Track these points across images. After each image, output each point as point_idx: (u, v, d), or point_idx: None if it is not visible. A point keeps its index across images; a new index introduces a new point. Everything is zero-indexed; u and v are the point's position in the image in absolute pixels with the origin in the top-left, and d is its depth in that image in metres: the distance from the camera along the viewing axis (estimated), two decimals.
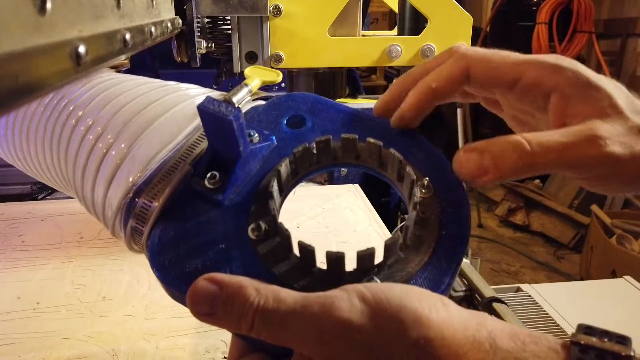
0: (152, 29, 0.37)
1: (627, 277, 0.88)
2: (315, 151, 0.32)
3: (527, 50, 2.59)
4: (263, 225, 0.29)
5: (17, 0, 0.16)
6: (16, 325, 0.58)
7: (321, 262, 0.29)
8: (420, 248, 0.30)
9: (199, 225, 0.31)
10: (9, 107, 0.17)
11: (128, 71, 1.22)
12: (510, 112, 0.37)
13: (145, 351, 0.53)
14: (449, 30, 0.57)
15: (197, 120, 0.35)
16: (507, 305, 0.73)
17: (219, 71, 0.62)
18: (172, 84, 0.40)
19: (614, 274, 1.92)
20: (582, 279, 2.22)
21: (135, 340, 0.55)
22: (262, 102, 0.38)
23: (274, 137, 0.34)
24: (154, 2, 0.39)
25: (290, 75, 0.63)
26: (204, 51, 0.55)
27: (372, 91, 3.07)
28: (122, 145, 0.34)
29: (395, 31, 0.65)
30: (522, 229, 2.81)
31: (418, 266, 0.29)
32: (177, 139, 0.34)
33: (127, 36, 0.30)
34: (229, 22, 0.56)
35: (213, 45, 0.57)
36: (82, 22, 0.23)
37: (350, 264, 0.28)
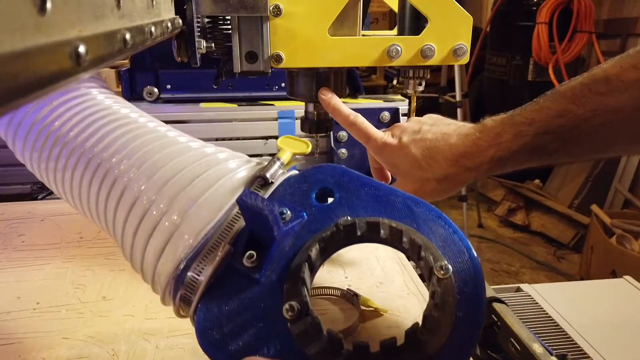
0: (152, 28, 0.37)
1: (627, 277, 0.88)
2: (342, 234, 0.36)
3: (528, 50, 2.59)
4: (296, 306, 0.32)
5: (17, 0, 0.16)
6: (16, 325, 0.58)
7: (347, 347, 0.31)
8: (438, 331, 0.31)
9: (240, 303, 0.34)
10: (9, 107, 0.17)
11: (128, 71, 1.22)
12: None
13: (145, 351, 0.53)
14: (449, 30, 0.57)
15: (235, 198, 0.38)
16: (507, 305, 0.73)
17: (219, 71, 0.62)
18: (210, 151, 0.43)
19: (614, 274, 1.92)
20: (582, 279, 2.21)
21: (135, 340, 0.55)
22: (295, 172, 0.42)
23: (304, 214, 0.37)
24: (154, 2, 0.39)
25: (290, 75, 0.63)
26: (204, 51, 0.55)
27: (372, 91, 3.07)
28: (172, 219, 0.38)
29: (395, 31, 0.65)
30: (522, 229, 2.81)
31: (435, 350, 0.31)
32: (218, 216, 0.37)
33: (127, 36, 0.30)
34: (229, 22, 0.56)
35: (213, 45, 0.56)
36: (82, 22, 0.23)
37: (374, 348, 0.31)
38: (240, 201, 0.33)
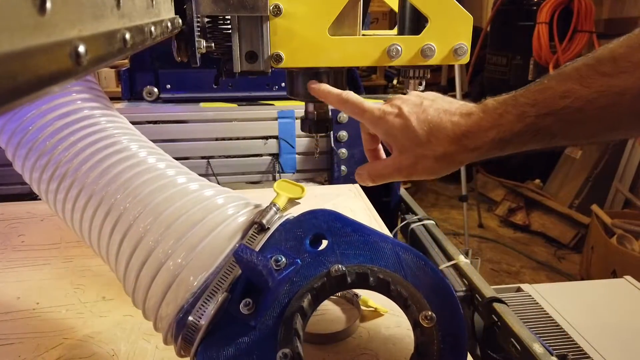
0: (152, 28, 0.37)
1: (628, 277, 0.88)
2: (333, 282, 0.38)
3: (528, 49, 2.58)
4: (289, 354, 0.34)
5: (17, 0, 0.16)
6: (16, 325, 0.58)
7: None
8: None
9: (237, 348, 0.36)
10: (9, 106, 0.16)
11: (128, 71, 1.22)
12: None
13: (145, 351, 0.53)
14: (449, 30, 0.57)
15: (236, 239, 0.41)
16: (508, 305, 0.73)
17: (218, 71, 0.62)
18: (209, 194, 0.45)
19: (614, 274, 1.92)
20: (582, 279, 2.21)
21: (135, 341, 0.55)
22: (290, 217, 0.44)
23: (298, 260, 0.40)
24: (153, 2, 0.39)
25: (290, 75, 0.63)
26: (204, 51, 0.55)
27: (372, 91, 3.07)
28: (177, 262, 0.40)
29: (395, 31, 0.65)
30: (522, 229, 2.81)
31: None
32: (217, 262, 0.40)
33: (127, 36, 0.30)
34: (229, 21, 0.56)
35: (213, 45, 0.56)
36: (81, 22, 0.23)
37: None
38: (236, 256, 0.36)
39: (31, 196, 1.02)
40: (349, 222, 0.41)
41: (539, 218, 2.78)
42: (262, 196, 0.95)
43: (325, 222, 0.42)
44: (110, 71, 1.94)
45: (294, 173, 1.24)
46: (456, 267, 0.82)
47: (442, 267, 0.89)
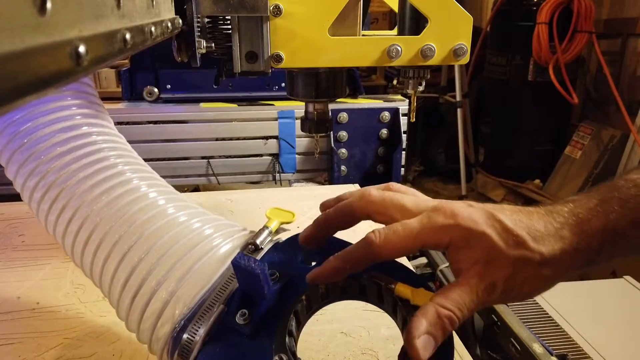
0: (152, 28, 0.38)
1: (627, 277, 0.88)
2: (323, 290, 0.39)
3: (528, 50, 2.58)
4: (285, 358, 0.35)
5: (17, 0, 0.16)
6: (16, 325, 0.58)
7: None
8: None
9: (233, 358, 0.37)
10: (10, 107, 0.17)
11: (128, 71, 1.22)
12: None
13: (145, 351, 0.53)
14: (449, 30, 0.57)
15: (227, 262, 0.42)
16: (508, 305, 0.73)
17: (219, 71, 0.62)
18: (197, 225, 0.45)
19: (614, 274, 1.91)
20: (582, 279, 2.21)
21: (135, 341, 0.55)
22: (280, 239, 0.46)
23: (291, 274, 0.41)
24: (154, 2, 0.39)
25: (290, 75, 0.63)
26: (204, 51, 0.55)
27: (372, 91, 3.07)
28: (169, 286, 0.40)
29: (395, 31, 0.65)
30: None
31: None
32: (212, 280, 0.41)
33: (127, 36, 0.30)
34: (229, 21, 0.56)
35: (213, 45, 0.56)
36: (82, 22, 0.23)
37: None
38: (235, 262, 0.37)
39: None
40: (340, 242, 0.42)
41: None
42: (262, 196, 0.95)
43: None
44: (111, 71, 1.94)
45: (293, 173, 1.25)
46: None
47: (442, 267, 0.89)
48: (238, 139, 1.21)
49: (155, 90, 1.20)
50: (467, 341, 0.76)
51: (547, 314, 0.76)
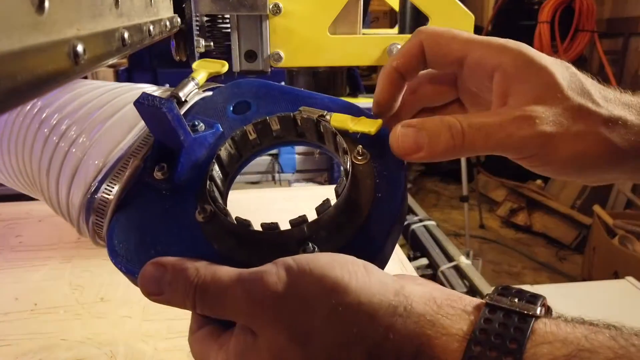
0: (151, 27, 0.37)
1: (630, 278, 0.88)
2: (255, 133, 0.34)
3: None
4: (208, 208, 0.30)
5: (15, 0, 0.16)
6: (14, 326, 0.58)
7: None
8: (355, 211, 0.30)
9: (151, 214, 0.33)
10: (8, 106, 0.16)
11: (127, 70, 1.22)
12: (463, 91, 0.36)
13: (143, 352, 0.53)
14: None
15: None
16: None
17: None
18: (126, 85, 0.42)
19: (616, 275, 1.91)
20: (584, 280, 2.21)
21: (133, 342, 0.55)
22: (211, 93, 0.39)
23: (218, 125, 0.36)
24: (152, 1, 0.39)
25: (290, 74, 0.63)
26: (203, 50, 0.55)
27: (372, 90, 3.06)
28: (81, 143, 0.36)
29: (395, 30, 0.65)
30: (524, 230, 2.81)
31: (353, 229, 0.30)
32: (127, 137, 0.36)
33: (126, 35, 0.30)
34: (228, 20, 0.56)
35: (212, 44, 0.56)
36: (80, 21, 0.22)
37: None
38: (137, 104, 0.32)
39: (29, 196, 1.02)
40: (277, 87, 0.37)
41: (541, 219, 2.78)
42: (262, 196, 0.95)
43: (250, 90, 0.38)
44: (109, 70, 1.94)
45: (293, 173, 1.24)
46: (457, 268, 0.82)
47: (443, 267, 0.89)
48: None
49: None
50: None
51: None
